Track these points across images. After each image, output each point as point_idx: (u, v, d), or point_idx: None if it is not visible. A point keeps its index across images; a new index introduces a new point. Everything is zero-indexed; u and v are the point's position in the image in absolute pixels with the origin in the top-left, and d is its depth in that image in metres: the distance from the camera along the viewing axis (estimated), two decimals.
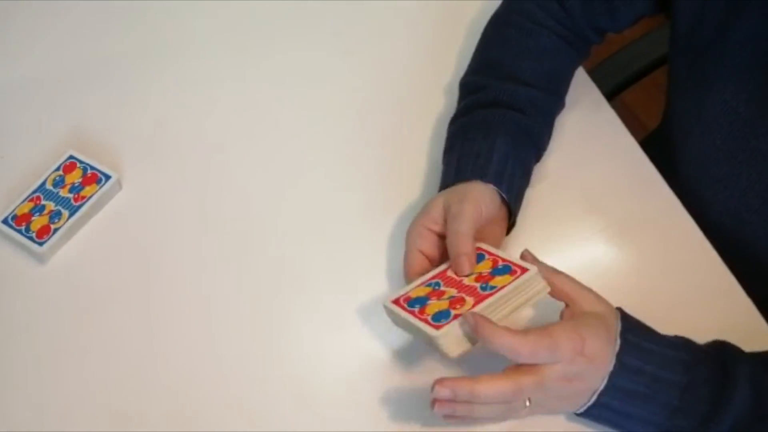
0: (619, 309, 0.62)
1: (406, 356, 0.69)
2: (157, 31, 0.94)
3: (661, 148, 0.83)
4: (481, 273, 0.65)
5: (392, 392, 0.67)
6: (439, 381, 0.58)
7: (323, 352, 0.70)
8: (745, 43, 0.66)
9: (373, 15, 0.94)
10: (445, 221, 0.67)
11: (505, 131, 0.72)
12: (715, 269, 0.73)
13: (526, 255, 0.65)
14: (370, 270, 0.74)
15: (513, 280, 0.62)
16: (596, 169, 0.80)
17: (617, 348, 0.58)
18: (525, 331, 0.57)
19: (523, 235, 0.75)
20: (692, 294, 0.72)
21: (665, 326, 0.62)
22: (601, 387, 0.58)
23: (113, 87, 0.89)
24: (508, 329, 0.57)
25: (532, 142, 0.75)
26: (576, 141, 0.82)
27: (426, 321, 0.61)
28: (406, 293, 0.65)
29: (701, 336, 0.62)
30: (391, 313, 0.65)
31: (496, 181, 0.69)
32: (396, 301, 0.64)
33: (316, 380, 0.69)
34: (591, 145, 0.82)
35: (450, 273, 0.66)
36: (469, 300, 0.62)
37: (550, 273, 0.63)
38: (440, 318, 0.61)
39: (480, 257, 0.66)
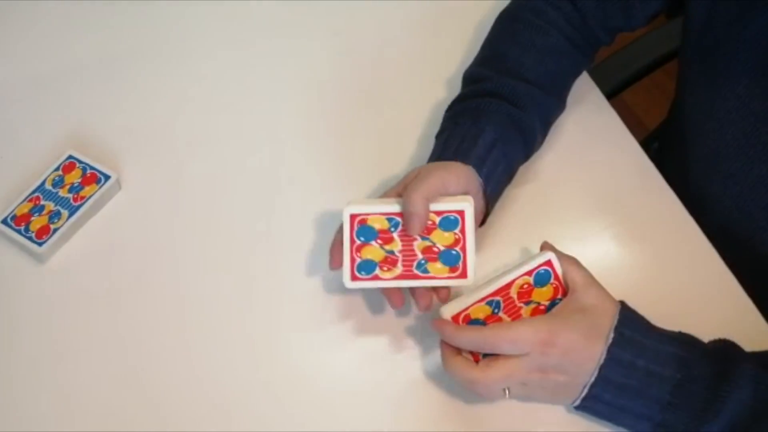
0: (622, 303, 0.62)
1: (403, 356, 0.69)
2: (156, 31, 0.94)
3: (664, 145, 0.82)
4: (433, 245, 0.64)
5: (389, 391, 0.68)
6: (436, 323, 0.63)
7: (322, 352, 0.70)
8: (759, 38, 0.66)
9: (373, 14, 0.94)
10: None
11: (497, 121, 0.72)
12: (715, 269, 0.73)
13: (545, 246, 0.66)
14: None
15: (446, 278, 0.64)
16: (596, 169, 0.80)
17: (610, 341, 0.59)
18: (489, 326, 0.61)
19: (522, 235, 0.74)
20: (692, 294, 0.71)
21: (664, 326, 0.62)
22: (592, 379, 0.59)
23: (113, 87, 0.89)
24: (470, 327, 0.61)
25: (523, 138, 0.74)
26: (576, 140, 0.82)
27: (352, 262, 0.64)
28: (368, 214, 0.65)
29: (701, 336, 0.62)
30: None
31: (477, 165, 0.69)
32: (353, 217, 0.64)
33: (316, 380, 0.69)
34: (591, 145, 0.82)
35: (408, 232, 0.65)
36: (397, 269, 0.64)
37: (564, 260, 0.64)
38: (362, 269, 0.64)
39: (452, 223, 0.65)
